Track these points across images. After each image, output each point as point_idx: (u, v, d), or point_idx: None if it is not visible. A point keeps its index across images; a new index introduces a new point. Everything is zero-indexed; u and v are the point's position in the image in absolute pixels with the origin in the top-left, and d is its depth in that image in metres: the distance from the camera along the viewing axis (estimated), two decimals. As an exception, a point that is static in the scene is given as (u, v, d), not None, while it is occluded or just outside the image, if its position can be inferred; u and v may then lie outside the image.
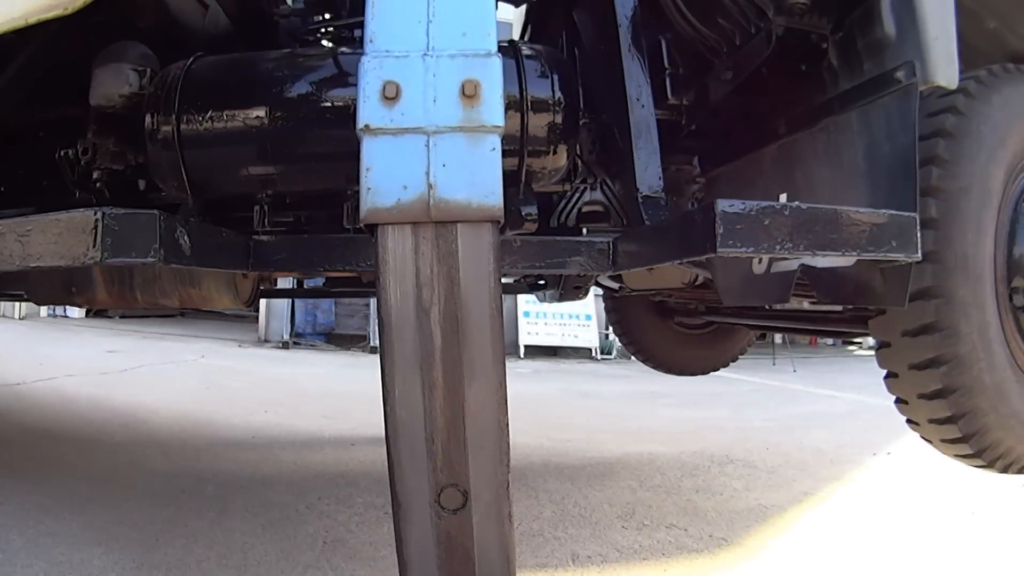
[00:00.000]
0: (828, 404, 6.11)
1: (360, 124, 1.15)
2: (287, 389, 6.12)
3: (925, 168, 1.55)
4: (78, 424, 3.94)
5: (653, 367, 4.03)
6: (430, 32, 1.20)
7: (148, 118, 1.59)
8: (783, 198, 1.77)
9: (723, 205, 1.12)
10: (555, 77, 1.67)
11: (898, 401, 1.77)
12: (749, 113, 1.90)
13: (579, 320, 11.07)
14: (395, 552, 2.30)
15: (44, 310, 9.28)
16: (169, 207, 1.73)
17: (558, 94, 1.66)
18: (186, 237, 1.18)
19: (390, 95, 1.16)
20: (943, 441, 1.76)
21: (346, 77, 1.64)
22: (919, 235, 1.24)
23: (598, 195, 1.98)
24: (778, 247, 1.14)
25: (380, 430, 3.99)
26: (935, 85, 1.41)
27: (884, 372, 1.76)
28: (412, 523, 1.20)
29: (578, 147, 1.82)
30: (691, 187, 2.15)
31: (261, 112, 1.59)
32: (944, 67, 1.43)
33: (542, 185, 1.78)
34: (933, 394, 1.65)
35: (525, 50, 1.68)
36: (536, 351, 10.53)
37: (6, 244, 1.13)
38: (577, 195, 1.97)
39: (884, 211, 1.23)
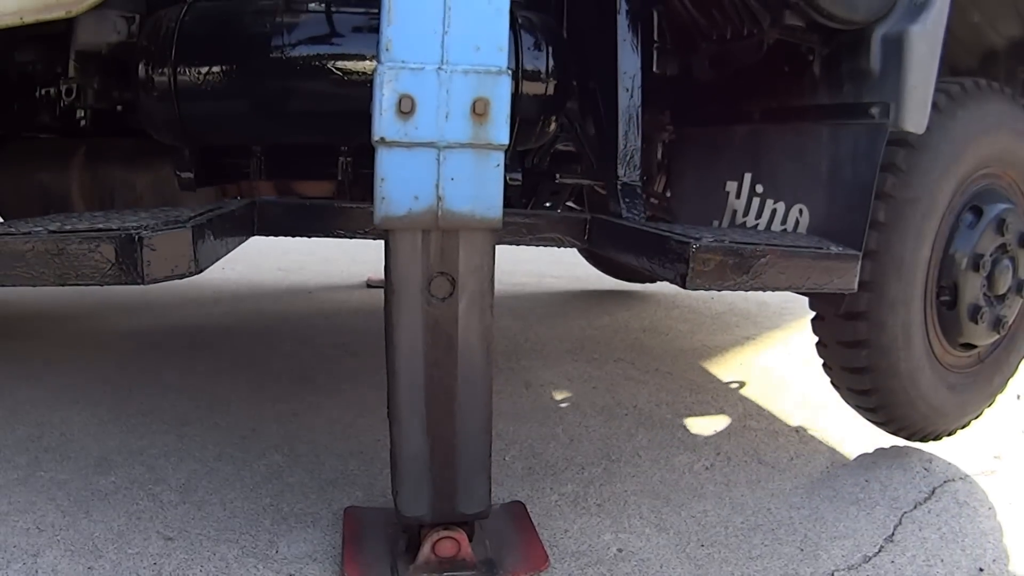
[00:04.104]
0: (776, 265, 6.39)
1: (376, 136, 1.26)
2: (242, 248, 6.15)
3: (882, 173, 1.73)
4: (37, 297, 3.98)
5: (604, 272, 4.30)
6: (445, 44, 1.27)
7: (142, 69, 1.63)
8: (747, 178, 1.94)
9: (695, 246, 1.30)
10: (549, 49, 1.75)
11: (825, 365, 2.07)
12: (727, 94, 2.01)
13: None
14: (357, 385, 2.55)
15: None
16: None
17: (551, 67, 1.75)
18: (212, 235, 1.29)
19: (405, 109, 1.26)
20: (857, 406, 2.10)
21: (349, 34, 1.68)
22: (858, 272, 1.45)
23: (572, 140, 2.09)
24: (738, 283, 1.34)
25: (337, 279, 4.14)
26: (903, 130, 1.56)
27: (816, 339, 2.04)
28: (403, 309, 1.34)
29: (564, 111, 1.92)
30: (661, 135, 2.28)
31: (260, 66, 1.64)
32: (916, 115, 1.58)
33: (526, 147, 1.89)
34: (854, 369, 1.95)
35: (521, 20, 1.74)
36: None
37: (39, 263, 1.17)
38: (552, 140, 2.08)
39: (833, 250, 1.43)
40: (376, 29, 1.29)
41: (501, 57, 1.29)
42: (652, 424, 2.42)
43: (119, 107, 1.86)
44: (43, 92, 1.75)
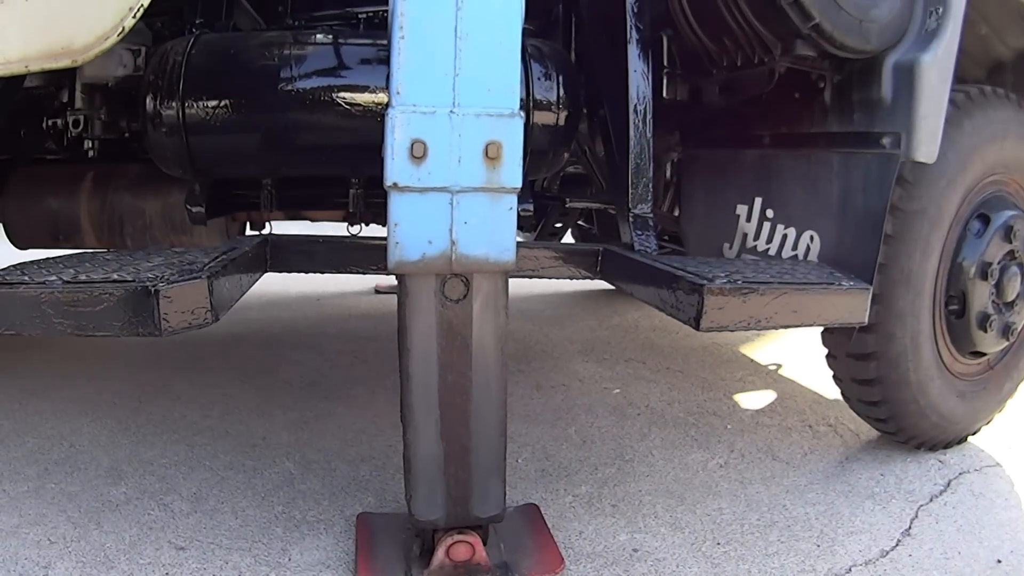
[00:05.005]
0: (783, 264, 6.40)
1: (388, 181, 1.25)
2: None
3: None
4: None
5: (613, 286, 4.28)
6: (456, 87, 1.25)
7: (150, 103, 1.61)
8: (758, 202, 1.93)
9: (710, 288, 1.29)
10: (559, 79, 1.73)
11: (835, 377, 2.07)
12: (737, 118, 2.00)
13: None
14: (367, 391, 2.56)
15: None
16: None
17: (562, 97, 1.73)
18: (227, 281, 1.29)
19: (418, 154, 1.25)
20: (868, 417, 2.11)
21: (357, 66, 1.66)
22: (869, 305, 1.45)
23: (581, 162, 2.07)
24: (751, 323, 1.34)
25: (345, 286, 4.10)
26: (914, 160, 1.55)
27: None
28: (418, 312, 1.34)
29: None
30: (670, 155, 2.25)
31: (269, 99, 1.63)
32: (926, 145, 1.57)
33: (537, 177, 1.88)
34: (864, 381, 1.95)
35: (531, 49, 1.72)
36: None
37: (55, 313, 1.16)
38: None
39: (845, 284, 1.43)
40: (385, 60, 1.27)
41: (513, 99, 1.27)
42: (665, 423, 2.43)
43: (127, 134, 1.85)
44: (51, 123, 1.74)
